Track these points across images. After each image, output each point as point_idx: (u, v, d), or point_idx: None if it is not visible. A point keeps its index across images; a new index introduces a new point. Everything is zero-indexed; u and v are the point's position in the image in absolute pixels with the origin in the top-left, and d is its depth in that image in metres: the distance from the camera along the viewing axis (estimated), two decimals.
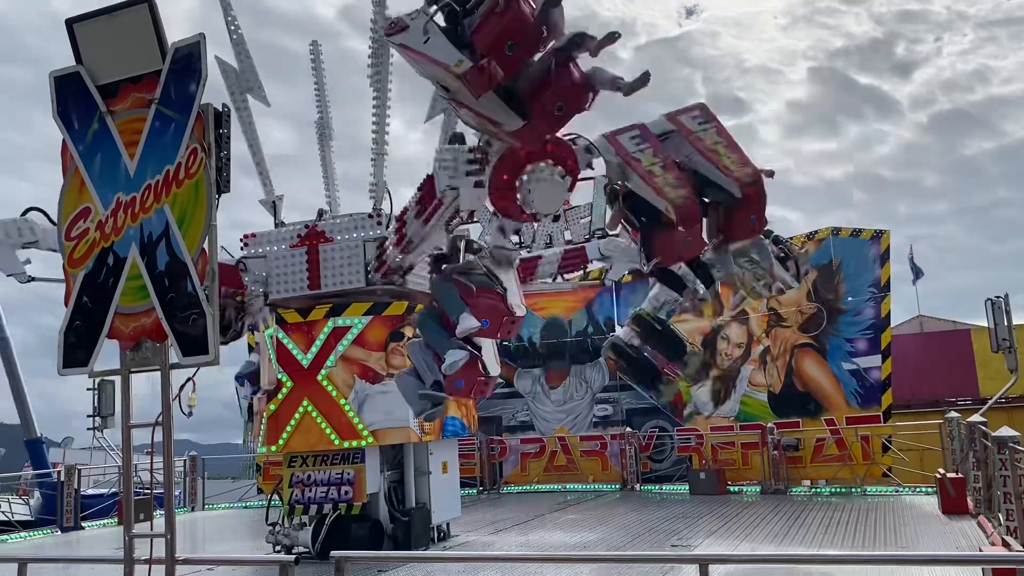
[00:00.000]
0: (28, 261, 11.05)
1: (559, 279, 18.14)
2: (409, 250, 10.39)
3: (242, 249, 11.82)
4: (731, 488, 17.10)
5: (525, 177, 8.00)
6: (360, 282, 11.25)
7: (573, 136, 8.38)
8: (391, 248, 10.67)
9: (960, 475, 12.85)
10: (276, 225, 12.15)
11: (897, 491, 15.58)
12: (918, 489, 15.31)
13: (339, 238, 11.42)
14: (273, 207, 12.27)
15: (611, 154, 8.49)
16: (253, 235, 11.84)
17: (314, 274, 11.39)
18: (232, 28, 12.13)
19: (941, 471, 13.53)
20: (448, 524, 12.51)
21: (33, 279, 11.06)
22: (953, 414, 14.60)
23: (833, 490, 16.25)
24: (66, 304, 5.95)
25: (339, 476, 11.16)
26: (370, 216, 11.52)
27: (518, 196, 8.08)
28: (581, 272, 18.06)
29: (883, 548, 10.06)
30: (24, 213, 10.91)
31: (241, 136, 12.25)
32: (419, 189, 9.72)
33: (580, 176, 8.39)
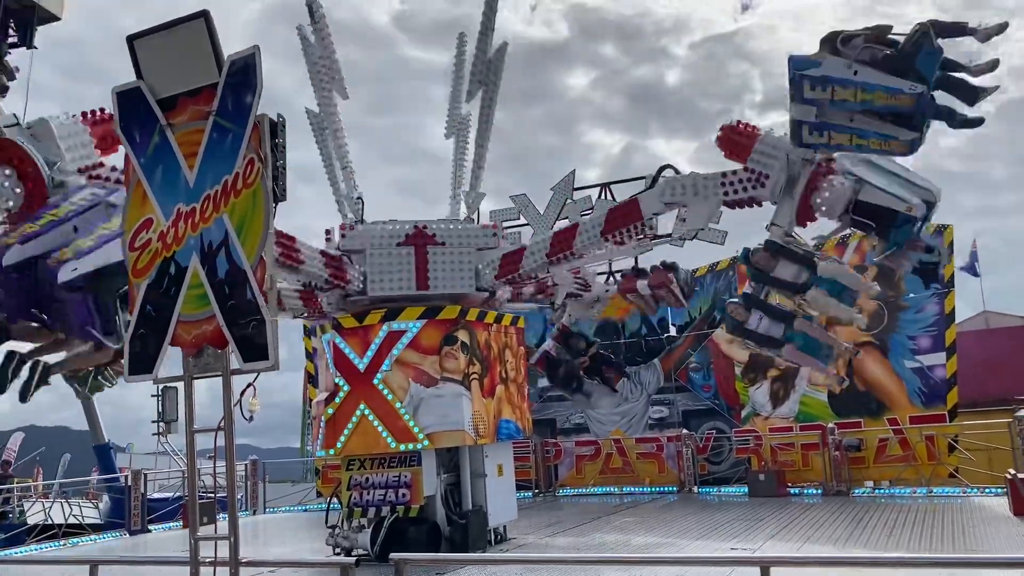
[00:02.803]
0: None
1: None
2: (563, 261, 11.30)
3: (331, 240, 11.72)
4: (791, 490, 16.80)
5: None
6: (470, 288, 11.60)
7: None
8: (534, 255, 11.40)
9: None
10: (357, 222, 11.92)
11: (965, 492, 15.13)
12: (987, 490, 14.84)
13: (450, 243, 11.66)
14: (360, 203, 12.16)
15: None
16: (352, 227, 11.71)
17: (422, 275, 11.53)
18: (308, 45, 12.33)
19: (1011, 471, 13.11)
20: (505, 527, 12.53)
21: None
22: (1023, 412, 14.13)
23: (897, 492, 15.86)
24: (131, 314, 6.12)
25: (396, 479, 11.25)
26: (485, 227, 12.15)
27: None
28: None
29: (951, 551, 9.77)
30: None
31: (320, 140, 12.47)
32: (611, 208, 10.81)
33: None
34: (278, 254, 9.82)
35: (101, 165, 9.89)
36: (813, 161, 10.02)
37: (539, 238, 12.29)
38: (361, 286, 11.57)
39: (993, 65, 9.01)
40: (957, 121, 9.33)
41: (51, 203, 9.02)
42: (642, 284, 13.63)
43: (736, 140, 10.35)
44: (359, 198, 12.21)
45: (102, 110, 9.97)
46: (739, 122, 10.46)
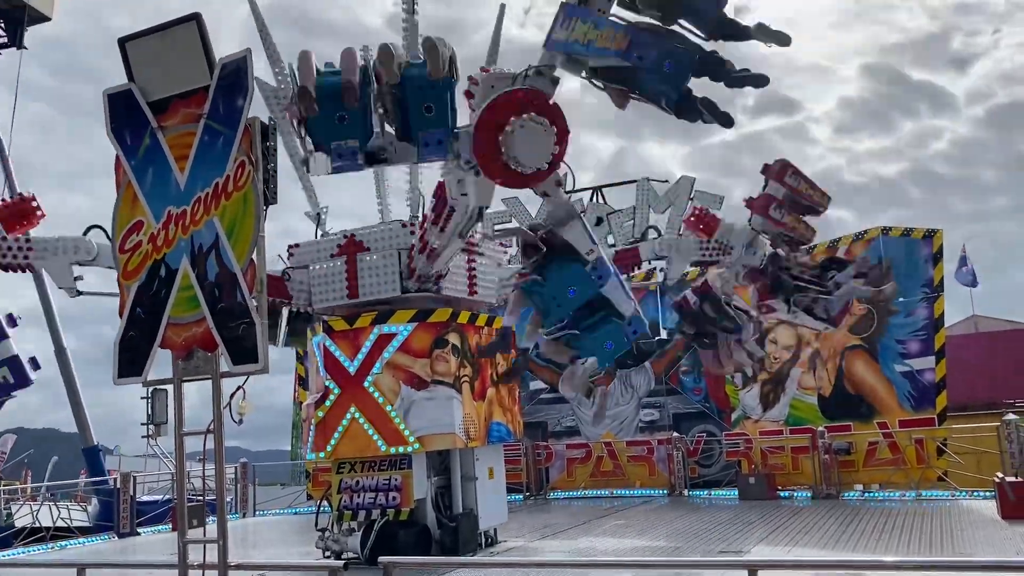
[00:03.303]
0: (80, 277, 11.34)
1: None
2: (433, 257, 10.57)
3: (288, 259, 12.05)
4: (781, 493, 16.84)
5: (503, 137, 7.96)
6: (396, 291, 11.42)
7: (522, 72, 8.33)
8: (417, 256, 10.87)
9: (1020, 479, 12.53)
10: (319, 236, 12.37)
11: (954, 495, 15.20)
12: (976, 493, 14.91)
13: (374, 247, 11.61)
14: (318, 219, 12.53)
15: (557, 59, 8.41)
16: (297, 246, 12.10)
17: (352, 283, 11.57)
18: (269, 47, 12.33)
19: (1000, 475, 13.17)
20: (495, 530, 12.53)
21: (81, 293, 11.36)
22: (1011, 416, 14.21)
23: (887, 495, 15.92)
24: (120, 316, 6.11)
25: (387, 482, 11.24)
26: (404, 225, 11.70)
27: (504, 159, 8.01)
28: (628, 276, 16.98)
29: (940, 554, 9.80)
30: (86, 232, 11.22)
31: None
32: (434, 196, 9.99)
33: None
34: None
35: None
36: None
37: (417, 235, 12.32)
38: (308, 299, 11.80)
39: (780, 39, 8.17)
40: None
41: None
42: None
43: (705, 221, 13.32)
44: (318, 214, 12.63)
45: None
46: (705, 209, 13.89)
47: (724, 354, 13.41)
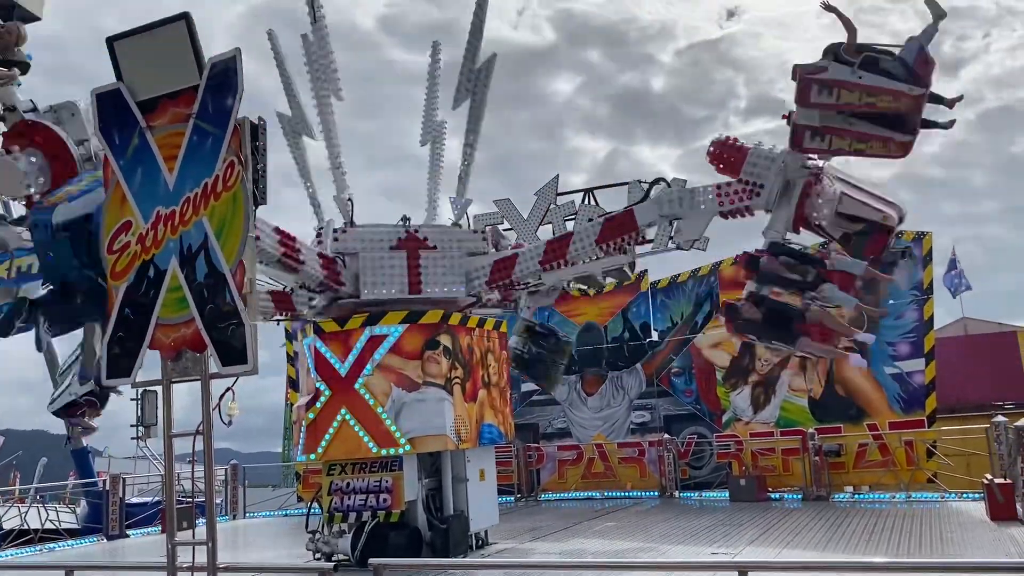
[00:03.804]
0: None
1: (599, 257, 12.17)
2: (556, 268, 11.44)
3: (334, 243, 11.57)
4: (772, 495, 16.87)
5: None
6: (461, 292, 11.69)
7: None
8: (527, 262, 11.48)
9: (1008, 480, 12.56)
10: (347, 224, 11.81)
11: (943, 497, 15.25)
12: (964, 495, 14.97)
13: (441, 247, 11.69)
14: (350, 205, 12.01)
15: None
16: (344, 230, 11.65)
17: (414, 279, 11.53)
18: (282, 71, 12.31)
19: (988, 476, 13.23)
20: (486, 531, 12.51)
21: None
22: (1000, 418, 14.26)
23: (876, 496, 15.96)
24: (108, 316, 6.07)
25: (377, 484, 11.21)
26: (475, 232, 12.20)
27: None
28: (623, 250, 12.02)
29: (929, 555, 9.84)
30: None
31: (293, 144, 12.39)
32: (606, 219, 11.01)
33: None
34: (280, 254, 9.84)
35: None
36: (808, 168, 10.21)
37: (533, 245, 12.40)
38: (353, 289, 11.52)
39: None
40: (943, 123, 9.98)
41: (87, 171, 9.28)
42: None
43: (728, 155, 10.54)
44: (349, 199, 12.05)
45: None
46: (728, 137, 10.68)
47: (828, 319, 10.20)
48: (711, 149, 10.66)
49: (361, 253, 11.53)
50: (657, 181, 11.88)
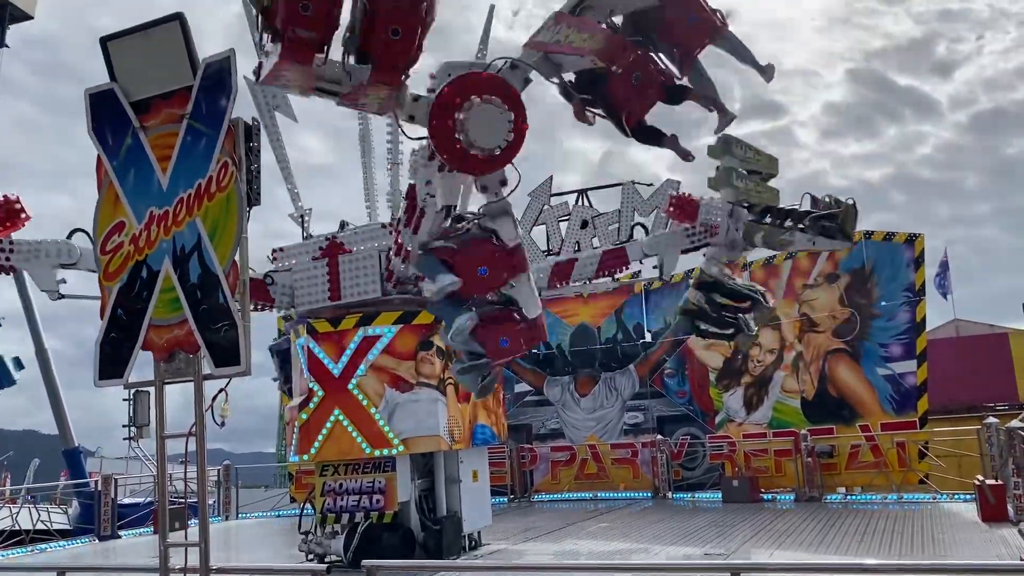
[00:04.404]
0: (63, 280, 11.26)
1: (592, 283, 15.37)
2: (410, 259, 10.30)
3: (272, 263, 12.06)
4: (764, 496, 16.90)
5: (460, 115, 7.40)
6: (376, 292, 11.45)
7: (491, 62, 7.98)
8: (394, 258, 10.80)
9: (1000, 482, 12.61)
10: (304, 238, 12.34)
11: (935, 498, 15.31)
12: (956, 496, 15.02)
13: (356, 249, 11.64)
14: (302, 220, 12.51)
15: (532, 57, 8.03)
16: (282, 249, 12.13)
17: (335, 285, 11.61)
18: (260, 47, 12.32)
19: (980, 478, 13.28)
20: (479, 532, 12.51)
21: (63, 296, 11.27)
22: (991, 419, 14.33)
23: (869, 497, 16.01)
24: (102, 317, 6.06)
25: (370, 484, 11.21)
26: (383, 226, 11.74)
27: (459, 139, 7.41)
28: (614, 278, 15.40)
29: (921, 556, 9.88)
30: (70, 235, 11.13)
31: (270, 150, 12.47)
32: (405, 198, 9.69)
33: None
34: None
35: None
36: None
37: (539, 266, 13.26)
38: (290, 302, 11.83)
39: None
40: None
41: None
42: None
43: (684, 206, 12.90)
44: (302, 216, 12.52)
45: None
46: (682, 193, 13.23)
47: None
48: (672, 202, 13.16)
49: (294, 268, 11.87)
50: (635, 225, 15.97)
